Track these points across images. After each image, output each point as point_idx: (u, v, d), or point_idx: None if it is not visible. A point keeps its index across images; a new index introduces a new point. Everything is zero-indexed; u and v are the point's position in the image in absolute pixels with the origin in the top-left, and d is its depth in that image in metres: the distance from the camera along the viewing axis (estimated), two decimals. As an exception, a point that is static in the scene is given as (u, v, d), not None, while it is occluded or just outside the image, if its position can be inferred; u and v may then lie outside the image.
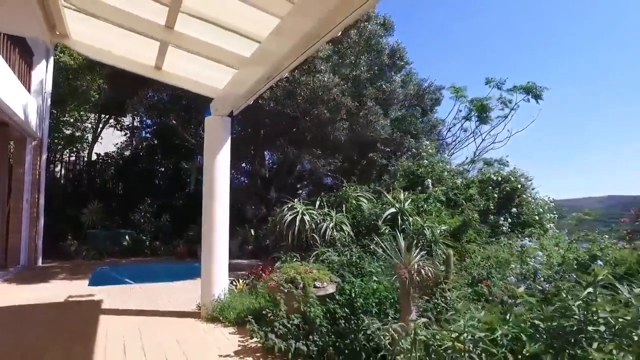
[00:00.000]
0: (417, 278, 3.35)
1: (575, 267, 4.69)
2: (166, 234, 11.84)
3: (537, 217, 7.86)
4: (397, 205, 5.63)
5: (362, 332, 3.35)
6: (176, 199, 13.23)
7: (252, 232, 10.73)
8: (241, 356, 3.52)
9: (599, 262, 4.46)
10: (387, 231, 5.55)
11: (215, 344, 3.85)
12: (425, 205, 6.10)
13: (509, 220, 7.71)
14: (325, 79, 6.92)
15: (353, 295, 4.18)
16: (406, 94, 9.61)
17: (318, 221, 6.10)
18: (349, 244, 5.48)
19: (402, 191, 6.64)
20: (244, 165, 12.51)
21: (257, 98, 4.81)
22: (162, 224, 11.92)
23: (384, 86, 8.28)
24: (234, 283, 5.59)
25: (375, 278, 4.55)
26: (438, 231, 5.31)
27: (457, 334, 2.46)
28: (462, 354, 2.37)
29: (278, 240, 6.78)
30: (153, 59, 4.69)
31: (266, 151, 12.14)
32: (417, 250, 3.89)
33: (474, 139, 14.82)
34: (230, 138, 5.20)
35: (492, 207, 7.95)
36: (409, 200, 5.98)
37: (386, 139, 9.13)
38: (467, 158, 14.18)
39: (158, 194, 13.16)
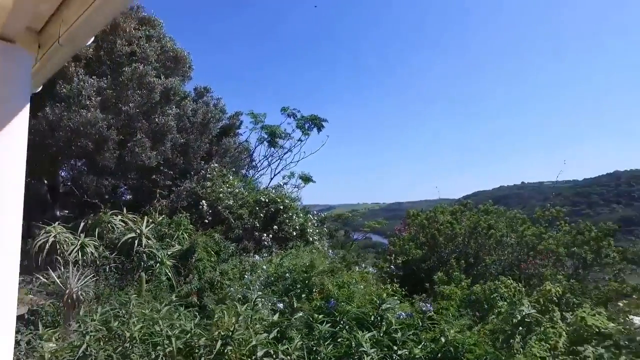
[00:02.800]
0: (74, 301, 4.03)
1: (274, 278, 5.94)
2: None
3: (294, 233, 9.38)
4: (137, 230, 6.21)
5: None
6: None
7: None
8: None
9: (287, 275, 5.77)
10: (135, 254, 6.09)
11: None
12: (166, 230, 6.83)
13: (271, 236, 9.03)
14: (89, 115, 7.30)
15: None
16: (194, 122, 10.38)
17: (70, 243, 6.27)
18: (90, 264, 5.84)
19: (159, 215, 7.30)
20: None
21: None
22: None
23: (157, 119, 8.91)
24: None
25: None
26: (170, 252, 6.10)
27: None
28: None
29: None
30: None
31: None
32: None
33: (279, 160, 16.56)
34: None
35: (258, 225, 9.17)
36: (151, 226, 6.63)
37: (171, 162, 9.73)
38: (271, 179, 15.75)
39: None
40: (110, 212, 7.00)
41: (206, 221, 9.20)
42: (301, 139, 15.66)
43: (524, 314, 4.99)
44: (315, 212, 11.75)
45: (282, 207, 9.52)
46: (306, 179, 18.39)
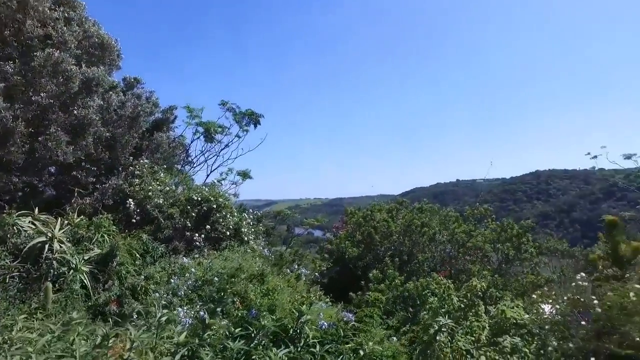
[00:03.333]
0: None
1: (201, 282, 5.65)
2: None
3: (228, 233, 9.06)
4: (48, 233, 5.62)
5: None
6: None
7: None
8: None
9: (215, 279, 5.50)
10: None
11: None
12: (84, 232, 6.28)
13: (203, 236, 8.64)
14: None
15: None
16: (122, 115, 9.65)
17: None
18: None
19: (79, 216, 6.70)
20: None
21: None
22: None
23: (76, 112, 8.16)
24: None
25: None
26: (87, 257, 5.60)
27: None
28: None
29: None
30: None
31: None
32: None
33: (216, 156, 15.99)
34: None
35: (189, 225, 8.75)
36: (66, 228, 6.05)
37: (94, 158, 8.99)
38: (207, 175, 15.18)
39: None
40: (18, 213, 6.28)
41: (134, 221, 8.62)
42: (239, 135, 15.26)
43: (440, 324, 5.17)
44: (252, 210, 11.47)
45: (215, 206, 9.15)
46: (244, 175, 18.04)
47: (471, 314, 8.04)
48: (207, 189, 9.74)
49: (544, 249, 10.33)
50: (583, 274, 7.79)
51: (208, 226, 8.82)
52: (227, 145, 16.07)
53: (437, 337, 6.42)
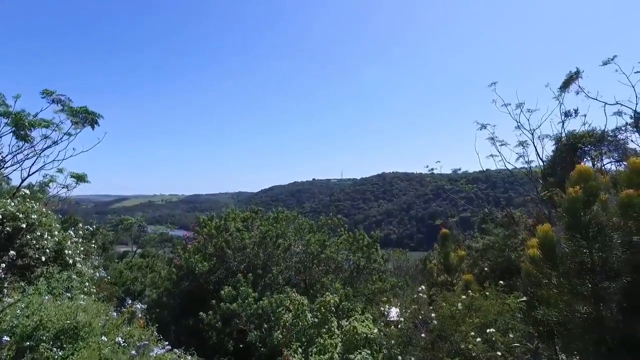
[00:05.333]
0: None
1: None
2: None
3: (44, 258, 7.34)
4: None
5: None
6: None
7: None
8: None
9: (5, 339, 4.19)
10: None
11: None
12: None
13: (4, 265, 6.80)
14: None
15: None
16: None
17: None
18: None
19: None
20: None
21: None
22: None
23: None
24: None
25: None
26: None
27: None
28: None
29: None
30: None
31: None
32: None
33: (37, 156, 13.22)
34: None
35: (-16, 251, 6.82)
36: None
37: None
38: (23, 180, 12.41)
39: None
40: None
41: None
42: (70, 133, 12.86)
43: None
44: (81, 226, 9.70)
45: (25, 225, 7.31)
46: (79, 178, 15.52)
47: (324, 330, 8.02)
48: (13, 203, 7.73)
49: (387, 256, 11.09)
50: (423, 287, 8.51)
51: (12, 252, 6.98)
52: (55, 143, 13.54)
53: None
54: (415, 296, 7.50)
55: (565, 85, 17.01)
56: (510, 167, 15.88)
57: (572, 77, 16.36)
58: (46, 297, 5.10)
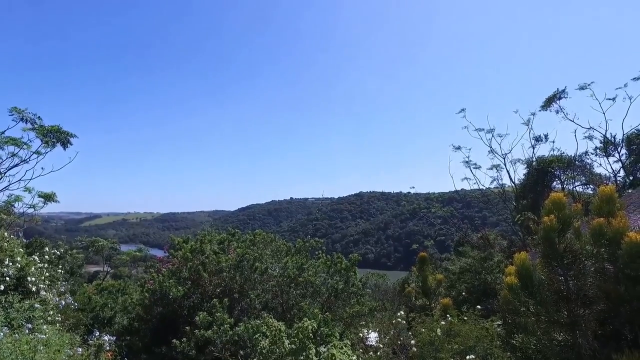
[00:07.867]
0: None
1: None
2: None
3: (2, 287, 6.96)
4: None
5: None
6: None
7: None
8: None
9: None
10: None
11: None
12: None
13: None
14: None
15: None
16: None
17: None
18: None
19: None
20: None
21: None
22: None
23: None
24: None
25: None
26: None
27: None
28: None
29: None
30: None
31: None
32: None
33: (2, 175, 12.81)
34: None
35: None
36: None
37: None
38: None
39: None
40: None
41: None
42: (40, 152, 12.52)
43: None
44: (48, 250, 9.31)
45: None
46: (48, 198, 15.04)
47: (302, 357, 7.81)
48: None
49: (366, 279, 11.01)
50: (402, 312, 8.52)
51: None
52: (24, 161, 13.16)
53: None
54: (394, 321, 7.47)
55: (547, 104, 17.68)
56: (484, 189, 16.27)
57: (555, 95, 17.03)
58: (1, 333, 4.64)
